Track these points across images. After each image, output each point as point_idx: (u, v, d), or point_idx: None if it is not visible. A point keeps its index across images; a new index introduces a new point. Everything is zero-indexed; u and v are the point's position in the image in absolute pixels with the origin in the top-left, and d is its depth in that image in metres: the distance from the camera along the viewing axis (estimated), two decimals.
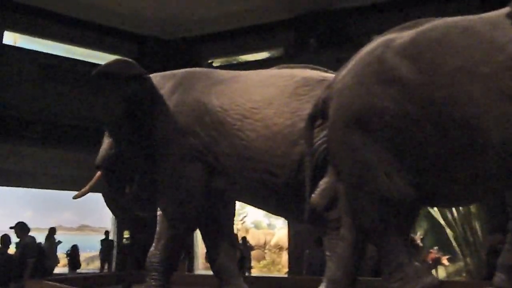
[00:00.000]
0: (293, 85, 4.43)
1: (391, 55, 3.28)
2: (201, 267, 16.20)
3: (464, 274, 11.78)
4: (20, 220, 7.96)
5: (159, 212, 4.76)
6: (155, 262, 4.66)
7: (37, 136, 12.67)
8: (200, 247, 15.36)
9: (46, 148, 13.37)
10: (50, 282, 4.66)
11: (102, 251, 14.77)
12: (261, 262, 17.76)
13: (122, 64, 4.68)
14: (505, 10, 3.16)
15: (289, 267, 13.36)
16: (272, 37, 13.95)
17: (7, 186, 15.34)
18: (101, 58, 14.04)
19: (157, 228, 4.74)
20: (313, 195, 4.11)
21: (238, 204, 5.40)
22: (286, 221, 14.73)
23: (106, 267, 14.81)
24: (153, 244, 4.72)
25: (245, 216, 20.51)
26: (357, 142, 3.32)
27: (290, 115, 4.31)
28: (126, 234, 14.53)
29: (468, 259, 11.31)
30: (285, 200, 4.42)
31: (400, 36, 3.38)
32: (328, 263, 4.23)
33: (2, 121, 12.16)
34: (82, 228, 25.91)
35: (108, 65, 4.66)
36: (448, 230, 12.31)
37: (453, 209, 11.91)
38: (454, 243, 12.20)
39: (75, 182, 14.07)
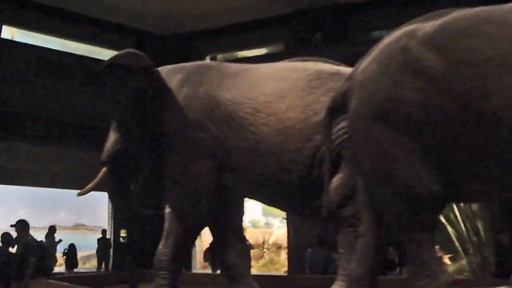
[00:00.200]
0: (306, 78, 4.35)
1: (416, 45, 3.18)
2: (199, 266, 16.10)
3: (465, 273, 11.72)
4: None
5: (167, 210, 4.64)
6: (164, 260, 4.55)
7: (34, 133, 12.52)
8: (198, 246, 15.25)
9: (42, 145, 13.22)
10: (56, 282, 4.52)
11: (99, 250, 14.61)
12: (259, 261, 17.66)
13: (130, 57, 4.56)
14: None
15: (289, 266, 13.26)
16: (271, 32, 13.86)
17: (1, 184, 15.13)
18: (99, 53, 13.95)
19: (166, 226, 4.62)
20: (325, 191, 3.98)
21: None
22: (285, 220, 14.70)
23: (103, 266, 14.65)
24: (161, 242, 4.61)
25: None
26: (381, 135, 3.21)
27: (304, 109, 4.23)
28: (123, 233, 14.40)
29: (472, 258, 11.26)
30: (298, 197, 4.33)
31: (423, 26, 3.28)
32: (341, 261, 4.15)
33: None
34: (77, 227, 25.69)
35: (117, 57, 4.54)
36: (449, 229, 12.26)
37: (455, 208, 11.86)
38: (456, 242, 12.16)
39: (71, 180, 14.03)
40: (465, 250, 11.50)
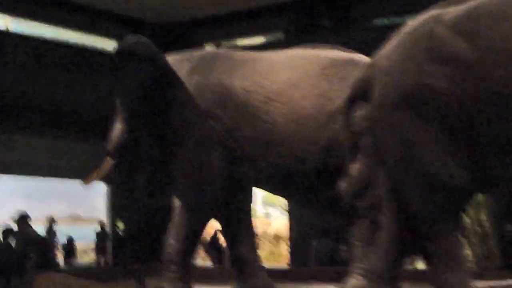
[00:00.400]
0: (319, 66, 4.29)
1: (442, 30, 3.12)
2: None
3: (469, 264, 11.66)
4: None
5: (175, 202, 4.56)
6: (173, 253, 4.46)
7: (30, 123, 12.37)
8: None
9: (38, 136, 13.11)
10: (66, 274, 4.40)
11: (97, 244, 14.45)
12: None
13: (138, 44, 4.48)
14: None
15: (291, 258, 13.18)
16: (271, 21, 13.73)
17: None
18: (96, 43, 13.82)
19: (174, 218, 4.54)
20: (340, 182, 3.96)
21: None
22: (285, 211, 14.60)
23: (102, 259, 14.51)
24: (171, 235, 4.52)
25: None
26: (407, 122, 3.15)
27: (318, 98, 4.16)
28: (119, 225, 14.26)
29: (476, 248, 11.21)
30: (312, 188, 4.27)
31: (448, 11, 3.22)
32: (356, 253, 4.06)
33: None
34: (72, 218, 25.53)
35: (125, 44, 4.49)
36: None
37: None
38: (459, 233, 12.05)
39: (66, 171, 13.90)
40: (469, 241, 11.43)
